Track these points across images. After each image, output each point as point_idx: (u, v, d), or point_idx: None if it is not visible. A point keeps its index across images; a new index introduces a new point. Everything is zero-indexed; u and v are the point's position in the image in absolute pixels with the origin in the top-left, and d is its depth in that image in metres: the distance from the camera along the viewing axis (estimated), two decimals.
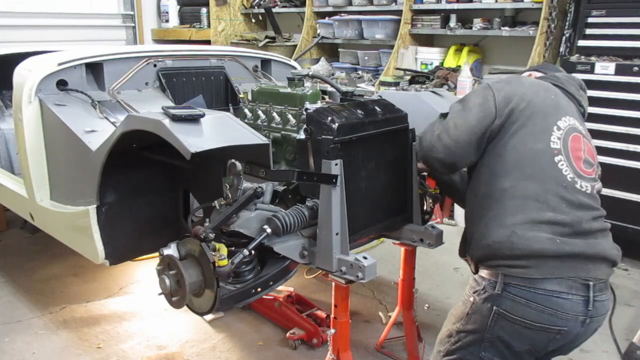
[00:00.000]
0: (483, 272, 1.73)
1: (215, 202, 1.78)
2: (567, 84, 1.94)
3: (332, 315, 2.02)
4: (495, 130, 1.77)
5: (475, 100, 1.82)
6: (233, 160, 1.70)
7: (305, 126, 1.85)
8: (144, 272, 3.44)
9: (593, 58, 3.56)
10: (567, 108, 1.84)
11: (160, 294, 1.81)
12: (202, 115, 1.71)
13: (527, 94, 1.79)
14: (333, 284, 1.94)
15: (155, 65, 2.77)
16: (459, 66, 4.40)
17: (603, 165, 3.39)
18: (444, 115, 2.32)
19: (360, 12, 5.12)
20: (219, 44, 6.03)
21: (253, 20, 6.31)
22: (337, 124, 1.80)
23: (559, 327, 1.62)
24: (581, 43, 3.63)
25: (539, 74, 2.06)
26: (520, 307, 1.62)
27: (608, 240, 1.74)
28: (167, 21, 6.68)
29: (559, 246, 1.61)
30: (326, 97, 2.42)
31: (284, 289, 2.93)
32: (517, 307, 1.62)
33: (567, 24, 3.84)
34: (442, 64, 4.64)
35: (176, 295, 1.76)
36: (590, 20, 3.59)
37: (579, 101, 1.94)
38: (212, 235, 1.69)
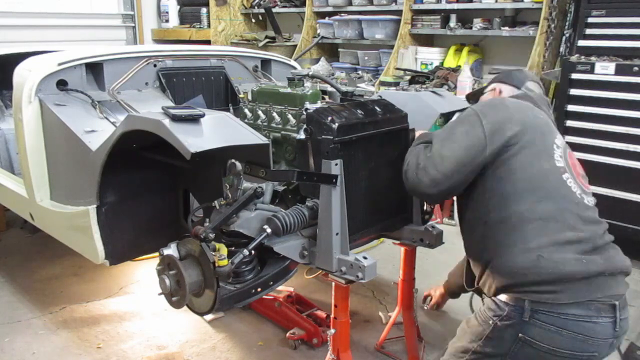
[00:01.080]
0: (504, 297, 1.66)
1: (215, 202, 1.78)
2: (540, 103, 1.94)
3: (332, 315, 2.02)
4: (489, 158, 1.71)
5: (461, 128, 1.76)
6: (233, 160, 1.70)
7: (305, 126, 1.85)
8: (144, 272, 3.44)
9: (593, 58, 3.56)
10: (553, 127, 1.85)
11: (160, 294, 1.81)
12: (202, 115, 1.71)
13: (515, 116, 1.75)
14: (333, 284, 1.94)
15: (155, 65, 2.77)
16: (459, 66, 4.40)
17: (603, 165, 3.45)
18: (444, 115, 2.32)
19: (360, 12, 5.12)
20: (219, 44, 6.03)
21: (253, 20, 6.32)
22: (337, 124, 1.80)
23: (590, 353, 1.58)
24: (581, 43, 3.63)
25: (508, 88, 2.04)
26: (550, 335, 1.57)
27: (619, 251, 1.72)
28: (167, 21, 6.68)
29: (586, 266, 1.58)
30: (326, 97, 2.43)
31: (284, 289, 2.93)
32: (546, 334, 1.57)
33: (567, 24, 3.84)
34: (442, 64, 4.64)
35: (176, 295, 1.76)
36: (590, 20, 3.59)
37: (552, 119, 1.95)
38: (212, 235, 1.69)
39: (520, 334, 1.59)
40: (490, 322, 1.65)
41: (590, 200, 1.73)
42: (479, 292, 1.89)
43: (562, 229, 1.61)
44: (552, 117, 1.98)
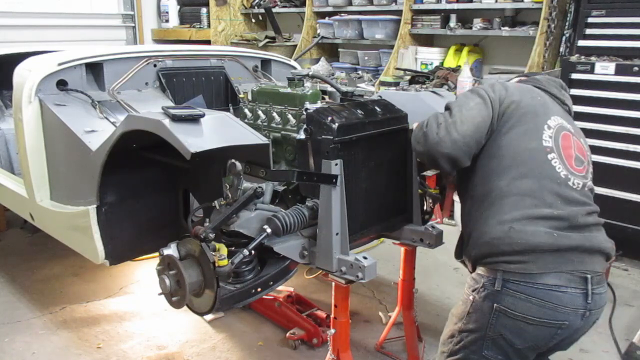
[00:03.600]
0: (481, 270, 1.73)
1: (215, 202, 1.78)
2: (549, 86, 1.97)
3: (332, 315, 2.02)
4: (493, 127, 1.80)
5: (475, 99, 1.84)
6: (233, 160, 1.70)
7: (305, 126, 1.85)
8: (144, 272, 3.44)
9: (593, 58, 3.56)
10: (554, 108, 1.88)
11: (160, 294, 1.81)
12: (202, 115, 1.71)
13: (514, 94, 1.83)
14: (333, 284, 1.94)
15: (155, 65, 2.77)
16: (459, 66, 4.40)
17: (603, 165, 3.45)
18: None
19: (360, 12, 5.11)
20: (219, 44, 6.03)
21: (253, 20, 6.31)
22: (337, 124, 1.80)
23: (560, 322, 1.63)
24: (581, 43, 3.63)
25: (516, 78, 2.12)
26: (521, 303, 1.63)
27: (602, 234, 1.76)
28: (167, 21, 6.68)
29: (556, 239, 1.63)
30: (326, 97, 2.42)
31: (284, 289, 2.93)
32: (518, 302, 1.63)
33: (567, 24, 3.84)
34: (442, 64, 4.64)
35: (176, 295, 1.76)
36: (590, 20, 3.59)
37: (562, 100, 1.97)
38: (212, 235, 1.69)
39: (495, 304, 1.66)
40: (470, 297, 1.73)
41: (577, 183, 1.75)
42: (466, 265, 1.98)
43: (538, 205, 1.68)
44: (566, 98, 1.99)
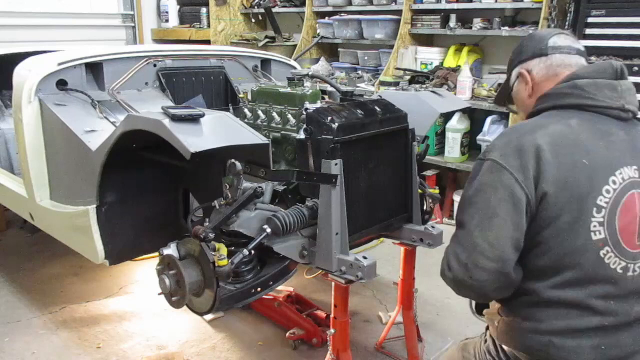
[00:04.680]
0: (507, 348, 1.51)
1: (215, 202, 1.78)
2: (597, 95, 1.43)
3: (332, 315, 2.02)
4: (530, 220, 1.38)
5: (497, 196, 1.36)
6: (233, 160, 1.70)
7: (305, 126, 1.85)
8: (144, 272, 3.44)
9: (593, 58, 3.56)
10: (611, 158, 1.37)
11: (160, 294, 1.81)
12: (202, 115, 1.71)
13: (549, 173, 1.34)
14: (333, 284, 1.93)
15: (155, 65, 2.77)
16: (459, 66, 4.40)
17: None
18: (444, 115, 2.30)
19: (360, 12, 5.11)
20: (219, 44, 6.02)
21: (253, 20, 6.31)
22: (337, 124, 1.80)
23: None
24: (581, 43, 3.63)
25: (536, 63, 1.57)
26: None
27: None
28: (167, 21, 6.68)
29: (604, 354, 1.36)
30: (326, 97, 2.42)
31: (284, 289, 2.92)
32: None
33: (567, 24, 3.83)
34: (442, 64, 4.63)
35: (176, 295, 1.76)
36: (590, 20, 3.59)
37: (621, 107, 1.44)
38: (212, 235, 1.69)
39: None
40: None
41: (638, 267, 1.39)
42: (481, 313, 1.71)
43: (587, 316, 1.36)
44: (626, 96, 1.44)
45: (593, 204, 1.34)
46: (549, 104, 1.50)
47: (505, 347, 1.52)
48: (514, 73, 1.66)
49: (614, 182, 1.36)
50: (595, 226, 1.34)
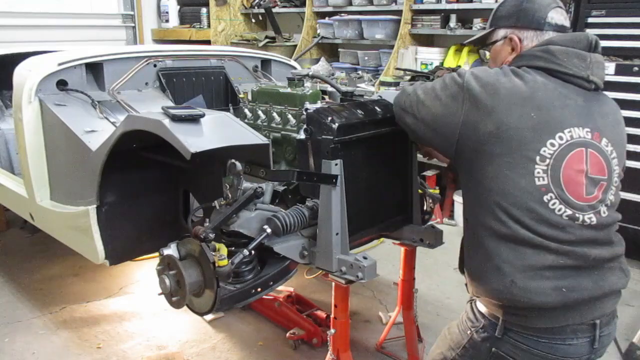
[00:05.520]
0: (482, 308, 1.60)
1: (215, 202, 1.78)
2: (566, 62, 1.54)
3: (332, 315, 2.02)
4: (465, 143, 1.52)
5: (447, 91, 1.58)
6: (233, 160, 1.70)
7: (305, 126, 1.85)
8: (144, 272, 3.44)
9: None
10: (562, 117, 1.50)
11: (160, 294, 1.81)
12: (202, 115, 1.71)
13: (498, 111, 1.47)
14: (333, 284, 1.94)
15: (155, 65, 2.77)
16: (459, 66, 4.40)
17: None
18: None
19: (360, 12, 5.12)
20: (219, 44, 6.03)
21: (253, 20, 6.32)
22: (337, 124, 1.80)
23: None
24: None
25: (529, 34, 1.63)
26: (521, 353, 1.51)
27: (616, 269, 1.56)
28: (167, 21, 6.69)
29: (565, 296, 1.44)
30: (326, 97, 2.42)
31: (284, 289, 2.93)
32: (518, 352, 1.51)
33: None
34: (442, 64, 4.63)
35: (176, 295, 1.76)
36: (590, 20, 3.59)
37: (586, 77, 1.54)
38: (212, 235, 1.69)
39: (494, 348, 1.54)
40: (469, 332, 1.62)
41: (590, 218, 1.48)
42: None
43: (541, 253, 1.44)
44: (593, 68, 1.54)
45: (536, 152, 1.46)
46: (520, 62, 1.61)
47: (480, 309, 1.60)
48: (502, 32, 1.71)
49: (561, 138, 1.48)
50: (538, 172, 1.45)
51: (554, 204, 1.46)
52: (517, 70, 1.56)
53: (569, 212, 1.46)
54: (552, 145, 1.47)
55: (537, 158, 1.46)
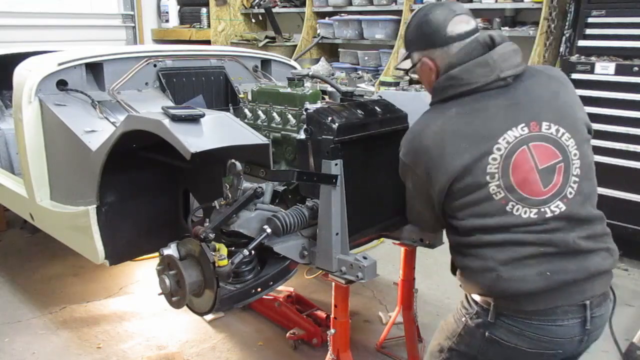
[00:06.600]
0: (476, 297, 1.64)
1: (215, 202, 1.78)
2: (471, 78, 1.56)
3: (332, 315, 2.02)
4: (445, 197, 1.59)
5: (413, 186, 1.69)
6: (233, 160, 1.70)
7: (305, 126, 1.85)
8: (144, 272, 3.44)
9: (593, 58, 3.56)
10: (492, 130, 1.53)
11: (160, 294, 1.81)
12: (202, 115, 1.71)
13: (437, 163, 1.55)
14: (333, 284, 1.94)
15: (155, 65, 2.77)
16: None
17: (603, 165, 3.44)
18: None
19: (360, 12, 5.11)
20: (219, 44, 6.03)
21: (253, 20, 6.31)
22: (337, 124, 1.80)
23: (554, 351, 1.55)
24: (581, 43, 3.63)
25: (438, 54, 1.65)
26: (514, 336, 1.54)
27: (602, 251, 1.56)
28: (167, 21, 6.69)
29: (550, 279, 1.49)
30: (326, 97, 2.42)
31: (284, 289, 2.92)
32: (511, 335, 1.55)
33: (567, 24, 3.84)
34: None
35: (176, 295, 1.76)
36: (590, 20, 3.59)
37: (496, 78, 1.55)
38: (212, 235, 1.69)
39: (487, 333, 1.58)
40: (463, 319, 1.65)
41: (556, 206, 1.51)
42: None
43: (522, 246, 1.50)
44: (503, 60, 1.56)
45: (484, 173, 1.51)
46: (436, 98, 1.67)
47: (474, 297, 1.64)
48: (416, 56, 1.73)
49: (499, 149, 1.51)
50: (493, 189, 1.51)
51: (517, 210, 1.50)
52: (431, 115, 1.64)
53: (534, 210, 1.50)
54: (494, 160, 1.51)
55: (487, 177, 1.51)
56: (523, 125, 1.53)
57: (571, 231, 1.52)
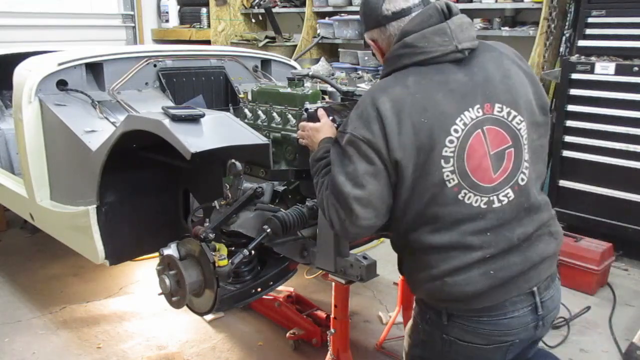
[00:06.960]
0: (426, 299, 1.62)
1: (215, 202, 1.79)
2: (428, 46, 1.47)
3: (332, 315, 2.02)
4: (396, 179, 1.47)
5: (362, 167, 1.44)
6: (233, 161, 1.70)
7: None
8: (144, 272, 3.44)
9: (593, 58, 3.56)
10: (450, 108, 1.43)
11: (160, 294, 1.81)
12: (202, 115, 1.71)
13: (394, 136, 1.41)
14: (333, 284, 1.94)
15: (155, 65, 2.77)
16: None
17: (603, 165, 3.44)
18: None
19: None
20: (219, 44, 6.02)
21: (253, 20, 6.31)
22: (337, 124, 1.80)
23: (511, 342, 1.53)
24: (581, 43, 3.63)
25: (378, 34, 1.60)
26: (469, 334, 1.53)
27: (544, 235, 1.53)
28: (167, 21, 6.68)
29: (494, 277, 1.46)
30: (326, 97, 2.43)
31: (284, 289, 2.92)
32: (465, 334, 1.53)
33: (567, 24, 3.84)
34: None
35: (176, 295, 1.76)
36: (590, 20, 3.59)
37: (454, 49, 1.46)
38: (212, 235, 1.69)
39: (444, 335, 1.56)
40: (420, 326, 1.64)
41: (505, 195, 1.46)
42: None
43: (467, 253, 1.45)
44: (460, 31, 1.48)
45: (439, 157, 1.41)
46: (389, 68, 1.55)
47: (426, 300, 1.61)
48: (366, 37, 1.69)
49: (456, 131, 1.42)
50: (447, 175, 1.42)
51: (469, 197, 1.44)
52: (386, 83, 1.51)
53: (484, 199, 1.45)
54: (451, 142, 1.42)
55: (442, 161, 1.42)
56: (478, 106, 1.46)
57: (518, 226, 1.48)
